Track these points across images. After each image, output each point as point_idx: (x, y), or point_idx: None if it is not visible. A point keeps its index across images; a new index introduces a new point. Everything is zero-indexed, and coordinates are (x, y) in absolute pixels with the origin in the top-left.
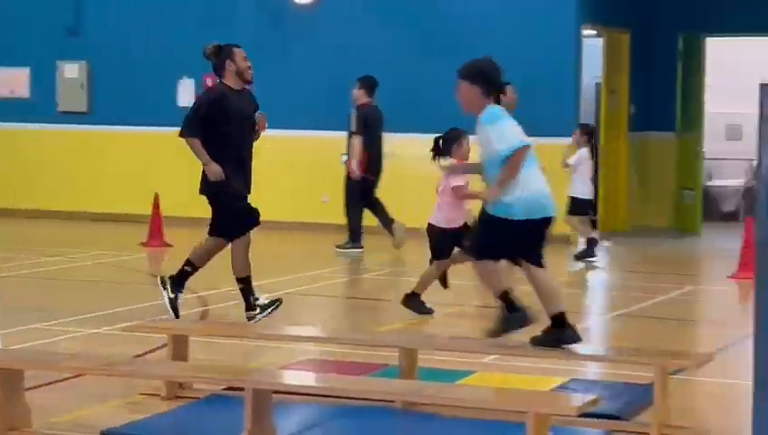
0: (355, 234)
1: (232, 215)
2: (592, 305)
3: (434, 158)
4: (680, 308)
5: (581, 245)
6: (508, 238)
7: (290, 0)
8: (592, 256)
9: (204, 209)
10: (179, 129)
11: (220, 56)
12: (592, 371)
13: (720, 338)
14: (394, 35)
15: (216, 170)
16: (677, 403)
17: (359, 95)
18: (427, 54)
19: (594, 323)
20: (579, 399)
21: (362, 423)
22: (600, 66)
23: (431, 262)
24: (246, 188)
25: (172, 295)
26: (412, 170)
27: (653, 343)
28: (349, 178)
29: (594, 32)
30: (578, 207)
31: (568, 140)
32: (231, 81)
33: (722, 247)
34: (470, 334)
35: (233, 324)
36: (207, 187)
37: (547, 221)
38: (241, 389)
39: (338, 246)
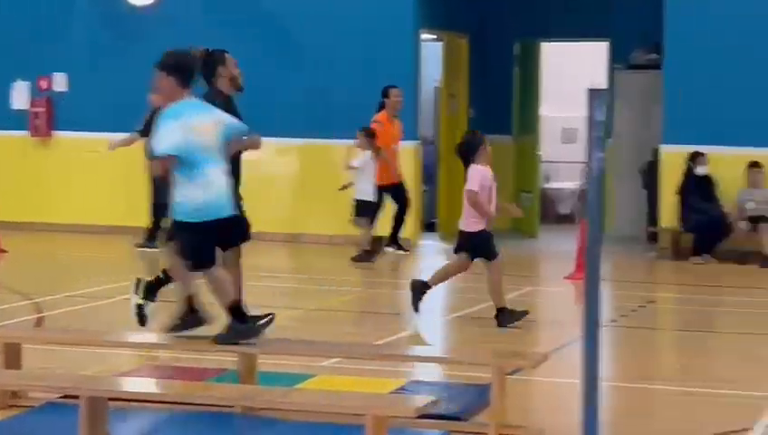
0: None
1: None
2: (432, 308)
3: (465, 165)
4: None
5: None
6: (195, 240)
7: (125, 1)
8: (371, 261)
9: (40, 213)
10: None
11: (210, 62)
12: (431, 372)
13: (556, 338)
14: (235, 37)
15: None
16: (515, 403)
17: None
18: (268, 56)
19: (433, 326)
20: (417, 400)
21: (200, 429)
22: (439, 70)
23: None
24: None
25: (141, 302)
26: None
27: (491, 344)
28: (155, 180)
29: (433, 36)
30: (363, 210)
31: (412, 143)
32: (224, 87)
33: (558, 249)
34: (311, 338)
35: (68, 331)
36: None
37: (223, 222)
38: (76, 397)
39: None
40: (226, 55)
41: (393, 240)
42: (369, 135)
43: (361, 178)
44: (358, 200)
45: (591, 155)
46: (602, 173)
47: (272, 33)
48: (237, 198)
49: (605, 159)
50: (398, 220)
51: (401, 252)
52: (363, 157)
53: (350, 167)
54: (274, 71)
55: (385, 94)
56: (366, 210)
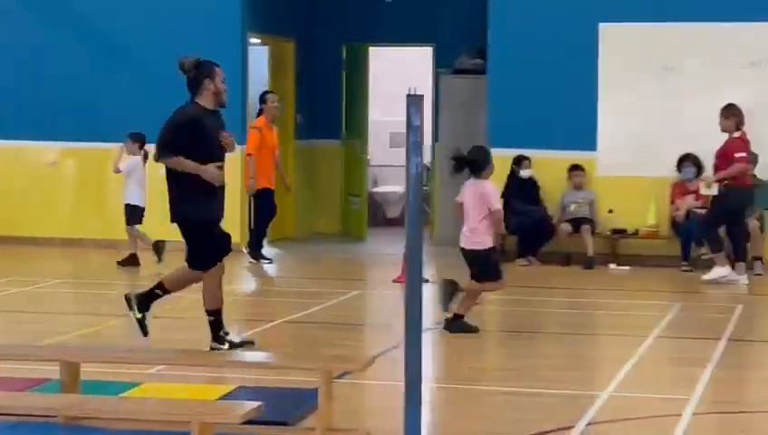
0: None
1: (206, 244)
2: (260, 313)
3: (469, 175)
4: (346, 313)
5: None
6: None
7: None
8: (136, 265)
9: None
10: (155, 156)
11: (198, 73)
12: (259, 378)
13: (384, 341)
14: (55, 37)
15: (214, 173)
16: (342, 407)
17: None
18: (93, 56)
19: (261, 331)
20: (243, 406)
21: None
22: (266, 75)
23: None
24: (220, 212)
25: (139, 315)
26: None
27: (319, 348)
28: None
29: (259, 40)
30: (132, 215)
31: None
32: (206, 101)
33: (386, 252)
34: (136, 345)
35: None
36: (182, 214)
37: None
38: None
39: None
40: (216, 69)
41: (256, 250)
42: (138, 140)
43: (129, 183)
44: (127, 205)
45: (410, 159)
46: (421, 177)
47: (95, 31)
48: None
49: (431, 164)
50: (261, 228)
51: (264, 262)
52: (131, 161)
53: (117, 170)
54: (99, 70)
55: (262, 100)
56: (135, 215)
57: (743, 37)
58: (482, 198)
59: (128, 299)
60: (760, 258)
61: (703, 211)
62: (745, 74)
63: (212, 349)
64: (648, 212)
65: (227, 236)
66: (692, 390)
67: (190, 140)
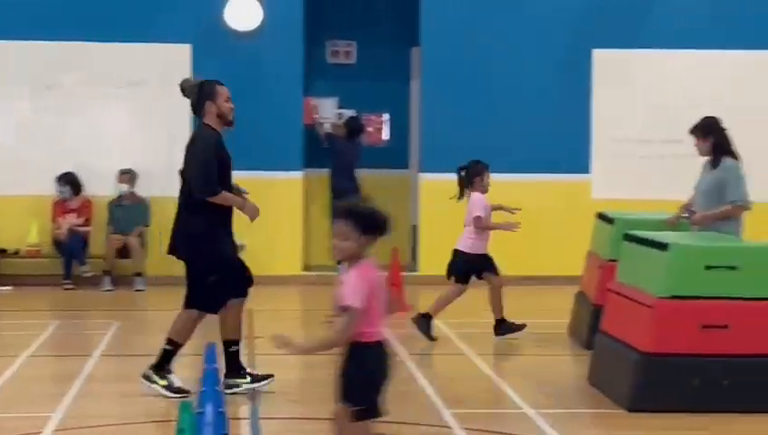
0: None
1: (222, 281)
2: None
3: (460, 194)
4: None
5: None
6: None
7: None
8: None
9: None
10: (201, 191)
11: (200, 94)
12: None
13: None
14: None
15: (253, 209)
16: None
17: None
18: None
19: None
20: None
21: None
22: None
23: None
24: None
25: (165, 383)
26: None
27: None
28: None
29: None
30: None
31: None
32: (213, 122)
33: None
34: None
35: None
36: (193, 248)
37: None
38: None
39: None
40: (218, 88)
41: None
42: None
43: None
44: None
45: None
46: None
47: None
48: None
49: None
50: None
51: None
52: None
53: None
54: None
55: None
56: None
57: (121, 57)
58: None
59: (146, 377)
60: (141, 274)
61: (87, 229)
62: (124, 93)
63: (228, 387)
64: (29, 231)
65: (248, 269)
66: (57, 406)
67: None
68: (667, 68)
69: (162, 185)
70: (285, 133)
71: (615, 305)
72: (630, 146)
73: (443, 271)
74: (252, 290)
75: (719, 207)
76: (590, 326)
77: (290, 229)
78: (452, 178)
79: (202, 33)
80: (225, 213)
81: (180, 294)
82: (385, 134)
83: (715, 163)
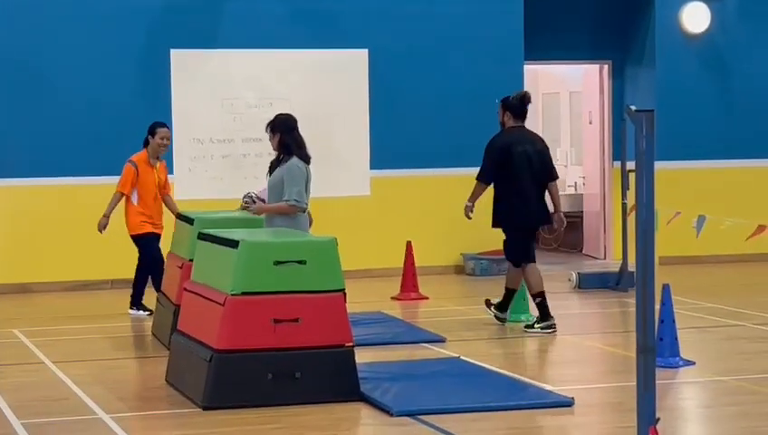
0: None
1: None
2: None
3: None
4: None
5: None
6: None
7: None
8: None
9: None
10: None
11: None
12: None
13: None
14: None
15: None
16: None
17: None
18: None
19: None
20: None
21: None
22: None
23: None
24: None
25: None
26: None
27: None
28: None
29: None
30: None
31: None
32: None
33: None
34: None
35: None
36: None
37: None
38: None
39: None
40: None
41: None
42: None
43: None
44: None
45: None
46: None
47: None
48: None
49: None
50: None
51: (142, 313)
52: None
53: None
54: None
55: (151, 132)
56: None
57: None
58: None
59: (488, 304)
60: None
61: None
62: None
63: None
64: None
65: None
66: None
67: None
68: (243, 67)
69: None
70: None
71: (190, 304)
72: (211, 146)
73: None
74: None
75: (278, 202)
76: (172, 326)
77: None
78: None
79: None
80: None
81: None
82: None
83: (281, 160)
